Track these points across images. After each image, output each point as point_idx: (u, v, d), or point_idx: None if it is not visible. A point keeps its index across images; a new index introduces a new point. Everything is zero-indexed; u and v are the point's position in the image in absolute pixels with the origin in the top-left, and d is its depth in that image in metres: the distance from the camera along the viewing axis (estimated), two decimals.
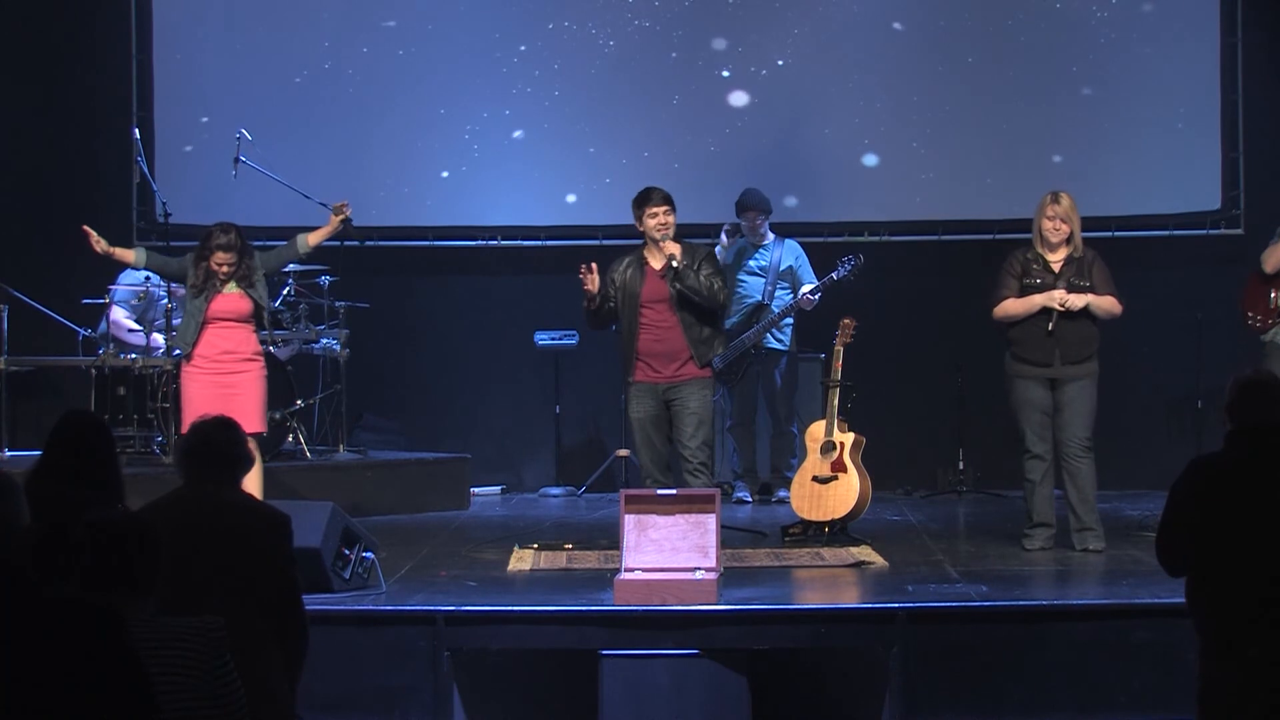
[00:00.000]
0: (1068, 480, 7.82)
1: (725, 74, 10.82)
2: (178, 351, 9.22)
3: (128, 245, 8.90)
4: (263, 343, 8.37)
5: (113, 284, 9.75)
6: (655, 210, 7.87)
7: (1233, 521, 4.44)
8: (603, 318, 8.05)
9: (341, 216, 8.38)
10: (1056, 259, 7.84)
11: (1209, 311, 9.90)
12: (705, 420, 7.89)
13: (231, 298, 8.09)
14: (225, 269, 8.05)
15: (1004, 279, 7.89)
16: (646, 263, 7.94)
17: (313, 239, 8.44)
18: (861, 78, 10.76)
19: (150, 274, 9.65)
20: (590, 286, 7.87)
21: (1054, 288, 7.77)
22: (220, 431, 4.91)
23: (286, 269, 9.32)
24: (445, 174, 10.85)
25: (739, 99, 10.80)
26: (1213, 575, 4.48)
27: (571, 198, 10.88)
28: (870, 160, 10.80)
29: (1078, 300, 7.75)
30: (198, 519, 4.66)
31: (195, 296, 8.09)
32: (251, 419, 8.04)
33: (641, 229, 7.96)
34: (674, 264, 7.78)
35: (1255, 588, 4.38)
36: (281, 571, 4.78)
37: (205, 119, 10.65)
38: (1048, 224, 7.83)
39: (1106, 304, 7.82)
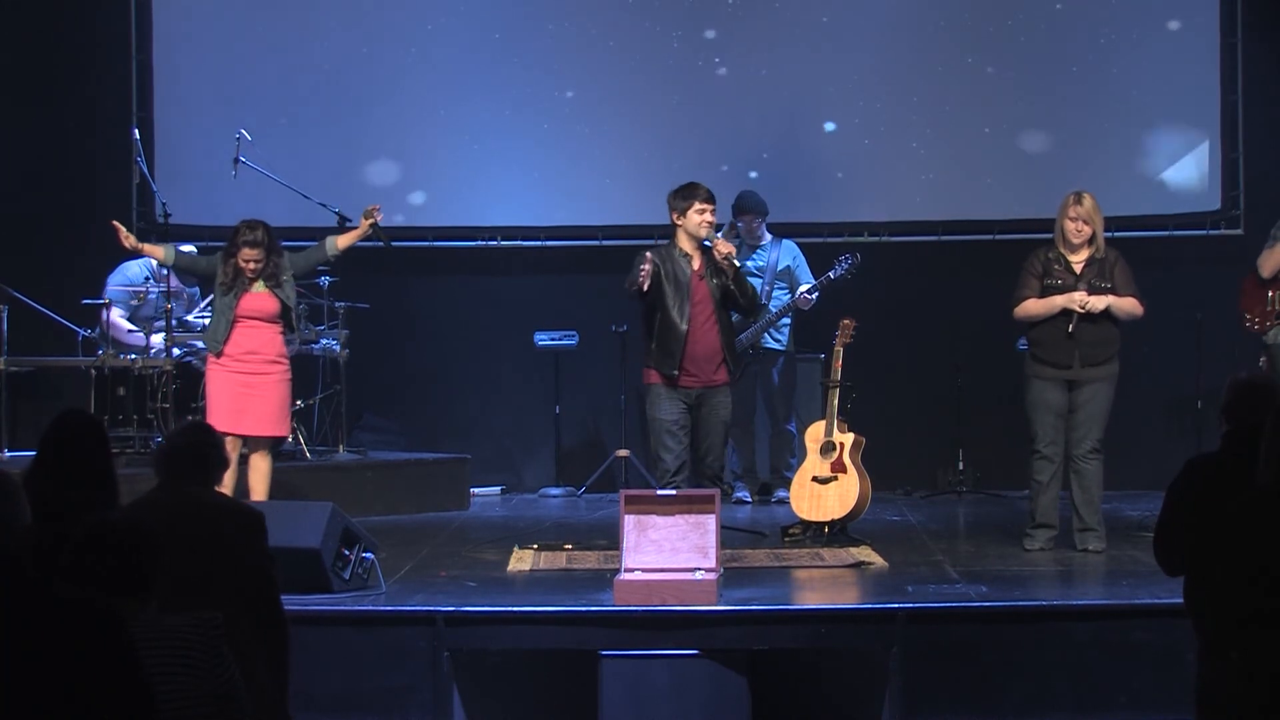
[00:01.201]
0: (1074, 480, 7.80)
1: (725, 74, 10.82)
2: (178, 351, 9.26)
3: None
4: (289, 343, 8.37)
5: (109, 283, 9.74)
6: (704, 207, 7.58)
7: (1228, 521, 4.43)
8: (648, 298, 7.62)
9: (371, 221, 8.36)
10: (1078, 260, 7.81)
11: (1209, 311, 9.90)
12: (728, 427, 7.81)
13: (260, 297, 8.08)
14: (253, 266, 8.02)
15: (1025, 279, 7.84)
16: (690, 259, 7.66)
17: (342, 242, 8.42)
18: (861, 78, 10.76)
19: (150, 275, 9.68)
20: (645, 283, 7.48)
21: (1075, 289, 7.74)
22: (192, 434, 4.94)
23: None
24: (468, 167, 10.85)
25: (739, 99, 10.79)
26: (1210, 575, 4.48)
27: (572, 198, 10.88)
28: (830, 126, 10.81)
29: (1098, 302, 7.72)
30: (173, 520, 4.63)
31: (225, 294, 8.08)
32: (269, 422, 8.06)
33: (679, 223, 7.66)
34: (734, 263, 7.55)
35: (1252, 588, 4.38)
36: (258, 569, 4.77)
37: (205, 119, 10.64)
38: (1070, 224, 7.80)
39: (1128, 305, 7.79)
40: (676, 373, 7.57)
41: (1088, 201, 7.80)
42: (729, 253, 7.55)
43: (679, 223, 7.65)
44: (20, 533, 3.61)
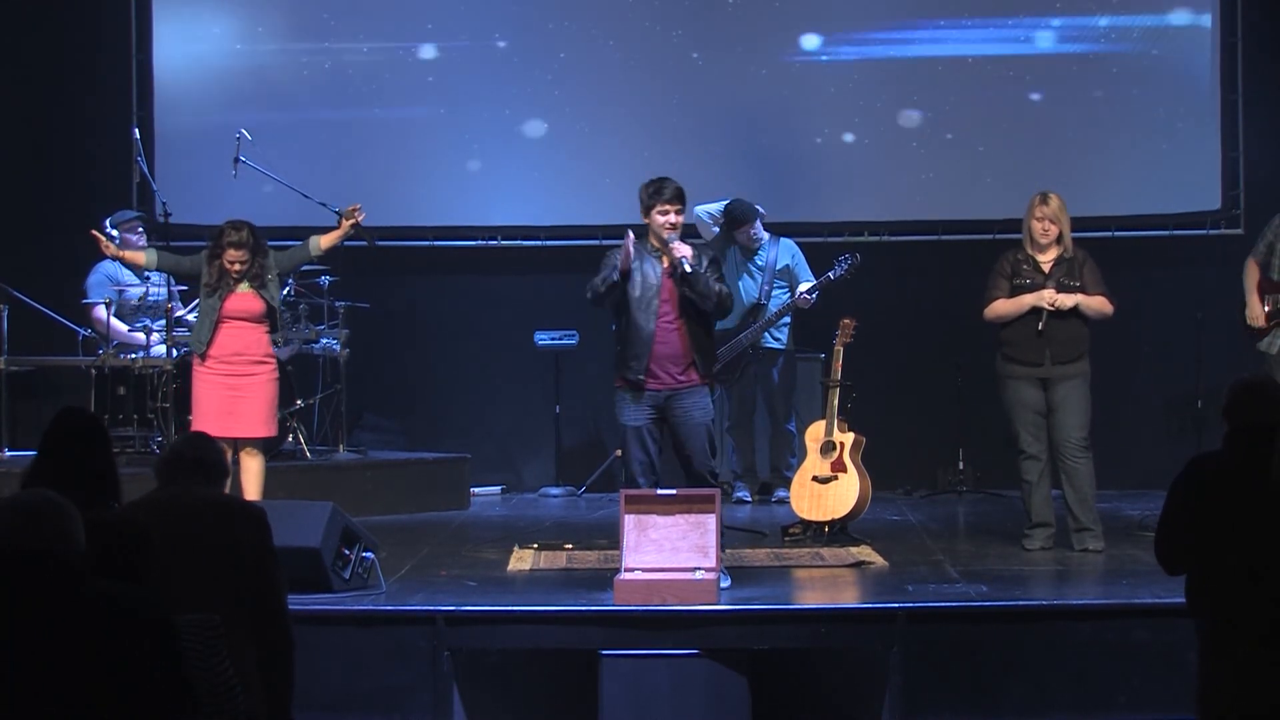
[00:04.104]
0: (1065, 481, 7.83)
1: (725, 73, 10.81)
2: (185, 348, 9.24)
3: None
4: (283, 343, 8.34)
5: (91, 284, 9.75)
6: (666, 208, 7.17)
7: (1231, 520, 4.44)
8: (614, 298, 7.27)
9: (353, 221, 8.35)
10: (1046, 259, 7.86)
11: (1209, 311, 9.90)
12: (708, 428, 7.35)
13: (245, 297, 8.03)
14: (238, 267, 7.98)
15: (994, 280, 7.91)
16: (660, 257, 7.25)
17: (325, 241, 8.38)
18: (861, 77, 10.76)
19: (133, 274, 9.69)
20: (627, 264, 7.11)
21: (1044, 288, 7.79)
22: (195, 443, 4.96)
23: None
24: (468, 167, 10.85)
25: (739, 99, 10.79)
26: (1211, 574, 4.49)
27: (571, 198, 10.88)
28: (850, 138, 10.82)
29: (1067, 300, 7.77)
30: (175, 519, 4.62)
31: (209, 295, 8.03)
32: (258, 423, 8.03)
33: (646, 221, 7.27)
34: (686, 269, 7.11)
35: (1254, 587, 4.38)
36: (262, 566, 4.76)
37: (205, 119, 10.64)
38: (1036, 225, 7.86)
39: (1097, 304, 7.83)
40: (642, 377, 7.19)
41: (1054, 202, 7.86)
42: (683, 255, 7.12)
43: (646, 220, 7.28)
44: (78, 551, 3.60)
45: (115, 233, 9.62)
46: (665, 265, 7.23)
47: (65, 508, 3.51)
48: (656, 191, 7.23)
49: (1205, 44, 10.68)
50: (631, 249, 7.14)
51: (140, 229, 9.67)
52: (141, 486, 5.03)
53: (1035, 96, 10.72)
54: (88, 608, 3.30)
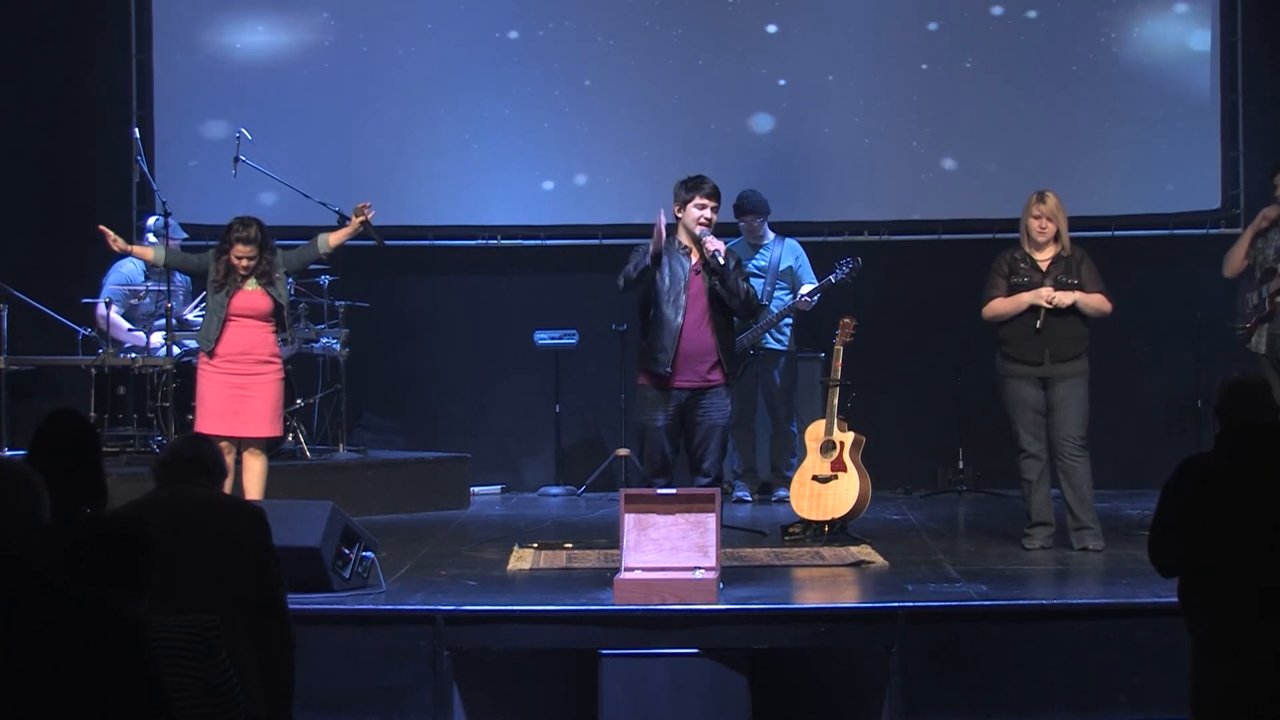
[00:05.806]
0: (1063, 480, 7.83)
1: (725, 73, 10.81)
2: (187, 345, 9.24)
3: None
4: (282, 343, 8.34)
5: (106, 283, 9.74)
6: (705, 202, 7.25)
7: (1223, 520, 4.45)
8: (642, 284, 7.30)
9: (362, 219, 8.32)
10: (1044, 258, 7.88)
11: (1209, 311, 9.90)
12: (725, 433, 7.48)
13: (252, 295, 8.02)
14: (245, 263, 7.96)
15: (993, 279, 7.93)
16: (689, 253, 7.32)
17: (334, 239, 8.36)
18: (861, 77, 10.77)
19: (148, 273, 9.67)
20: (659, 245, 7.15)
21: (1042, 286, 7.80)
22: (193, 443, 4.96)
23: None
24: (469, 166, 10.85)
25: (739, 99, 10.80)
26: (1204, 574, 4.49)
27: (571, 197, 10.88)
28: (867, 141, 10.82)
29: (1065, 297, 7.78)
30: (175, 519, 4.62)
31: (217, 292, 8.01)
32: (262, 423, 8.02)
33: (679, 216, 7.33)
34: (720, 261, 7.20)
35: (1246, 586, 4.38)
36: (263, 566, 4.76)
37: (205, 118, 10.65)
38: (1034, 223, 7.87)
39: (1095, 302, 7.84)
40: (668, 371, 7.24)
41: (1050, 200, 7.87)
42: (715, 250, 7.22)
43: (679, 215, 7.37)
44: (38, 528, 3.56)
45: (154, 238, 9.59)
46: (695, 261, 7.29)
47: (16, 488, 3.48)
48: (695, 185, 7.35)
49: (1205, 44, 10.68)
50: (664, 228, 7.19)
51: (180, 240, 9.58)
52: (141, 487, 5.02)
53: (1035, 96, 10.72)
54: (48, 612, 3.26)
